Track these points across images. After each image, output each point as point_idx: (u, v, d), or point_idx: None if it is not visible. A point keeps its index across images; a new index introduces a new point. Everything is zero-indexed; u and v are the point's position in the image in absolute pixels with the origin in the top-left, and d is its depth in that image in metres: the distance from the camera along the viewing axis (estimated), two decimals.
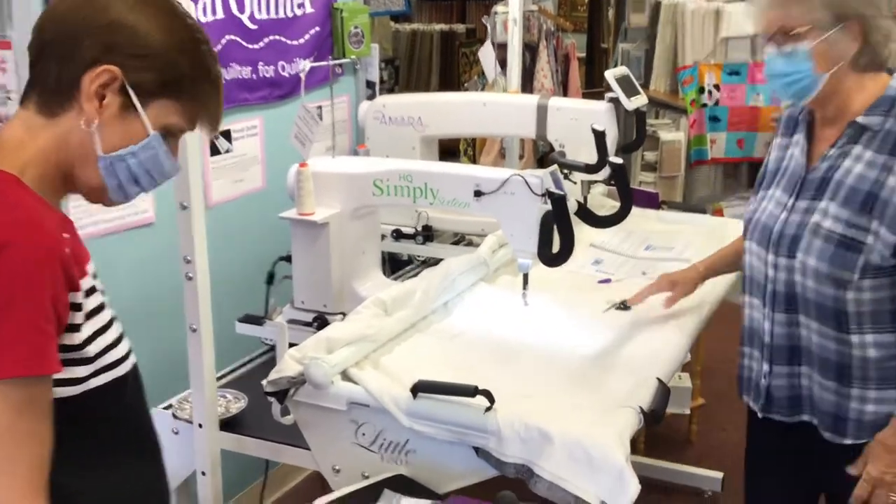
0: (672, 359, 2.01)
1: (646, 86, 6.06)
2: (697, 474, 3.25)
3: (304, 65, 2.77)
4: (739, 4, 5.68)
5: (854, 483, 1.80)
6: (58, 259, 1.10)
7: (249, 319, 2.31)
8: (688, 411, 3.47)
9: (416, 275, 2.82)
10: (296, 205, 2.32)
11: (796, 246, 1.77)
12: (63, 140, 1.17)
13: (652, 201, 4.17)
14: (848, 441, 1.81)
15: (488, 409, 1.67)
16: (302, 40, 2.95)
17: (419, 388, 1.72)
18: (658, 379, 1.85)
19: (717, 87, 5.55)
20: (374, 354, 1.94)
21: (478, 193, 2.05)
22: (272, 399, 1.84)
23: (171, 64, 1.18)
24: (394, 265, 3.14)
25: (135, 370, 1.32)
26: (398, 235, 3.00)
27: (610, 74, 2.81)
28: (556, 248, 1.93)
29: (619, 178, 2.13)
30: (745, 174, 5.99)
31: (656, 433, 3.45)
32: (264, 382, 1.83)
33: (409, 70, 6.55)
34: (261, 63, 2.78)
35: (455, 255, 2.88)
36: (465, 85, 6.30)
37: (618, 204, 2.84)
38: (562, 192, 1.91)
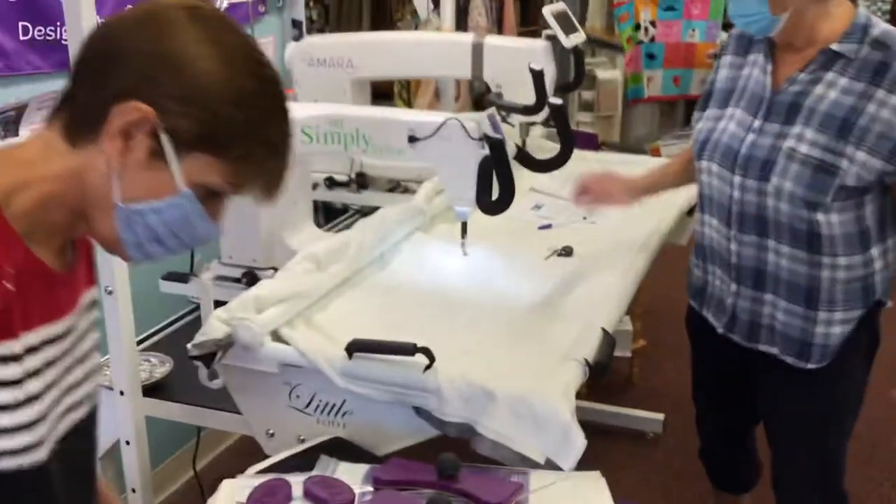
0: (616, 306, 1.95)
1: (582, 23, 5.96)
2: (639, 416, 3.24)
3: (219, 1, 2.61)
4: None
5: (797, 414, 1.93)
6: None
7: (174, 277, 2.20)
8: (629, 354, 3.45)
9: (350, 225, 2.71)
10: None
11: (770, 169, 1.78)
12: (79, 174, 0.96)
13: (591, 142, 4.11)
14: (811, 365, 1.87)
15: (428, 367, 1.59)
16: None
17: (355, 348, 1.63)
18: (602, 329, 1.78)
19: (653, 23, 5.48)
20: (306, 312, 1.84)
21: (412, 139, 1.94)
22: (198, 363, 1.73)
23: (221, 117, 0.94)
24: (328, 215, 3.02)
25: (64, 465, 1.04)
26: (331, 184, 2.88)
27: (547, 11, 2.70)
28: (495, 194, 1.84)
29: (559, 119, 2.06)
30: (681, 112, 5.97)
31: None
32: (189, 346, 1.72)
33: (339, 9, 6.33)
34: None
35: (391, 204, 2.78)
36: (399, 24, 6.13)
37: (558, 146, 2.75)
38: (500, 137, 1.82)
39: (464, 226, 1.97)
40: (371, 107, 2.28)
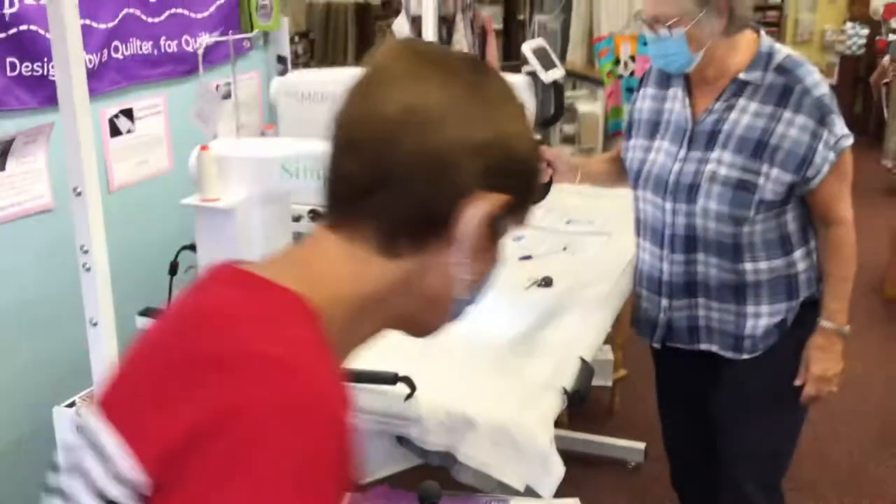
0: (594, 335, 1.99)
1: (562, 57, 6.05)
2: (621, 445, 3.26)
3: (202, 40, 2.65)
4: None
5: (736, 402, 2.07)
6: None
7: (150, 313, 2.17)
8: (610, 383, 3.47)
9: None
10: (199, 190, 2.15)
11: (696, 193, 1.94)
12: (408, 282, 0.85)
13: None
14: (745, 356, 2.02)
15: (409, 396, 1.62)
16: (206, 13, 2.82)
17: None
18: (581, 358, 1.82)
19: (632, 58, 5.57)
20: None
21: None
22: None
23: (535, 179, 0.89)
24: None
25: None
26: (315, 216, 2.91)
27: (526, 47, 2.77)
28: None
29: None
30: None
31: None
32: None
33: (325, 44, 6.41)
34: (163, 38, 2.65)
35: None
36: None
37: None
38: None
39: None
40: None
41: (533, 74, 2.79)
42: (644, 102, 2.10)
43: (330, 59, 6.19)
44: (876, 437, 3.42)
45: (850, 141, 1.87)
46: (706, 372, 2.10)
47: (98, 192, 1.69)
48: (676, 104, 2.01)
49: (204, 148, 2.14)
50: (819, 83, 1.86)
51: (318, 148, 2.09)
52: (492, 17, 5.96)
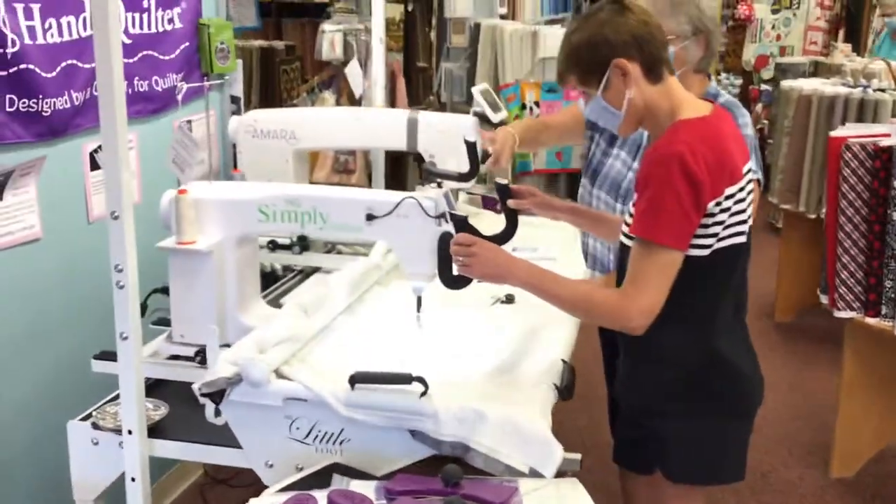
0: (567, 338, 2.21)
1: (468, 102, 6.38)
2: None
3: (182, 86, 2.79)
4: (554, 28, 6.12)
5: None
6: None
7: (106, 356, 2.17)
8: None
9: (287, 289, 2.86)
10: (175, 233, 2.21)
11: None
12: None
13: (494, 205, 4.43)
14: None
15: (423, 393, 1.82)
16: (172, 55, 2.97)
17: (357, 379, 1.85)
18: (563, 360, 2.06)
19: (536, 103, 5.95)
20: (300, 354, 2.04)
21: (370, 217, 2.06)
22: (205, 400, 1.90)
23: None
24: (266, 280, 3.01)
25: None
26: (274, 247, 3.07)
27: (476, 90, 3.03)
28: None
29: (504, 197, 2.18)
30: (563, 184, 6.43)
31: None
32: (196, 385, 1.89)
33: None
34: (136, 78, 2.79)
35: (331, 264, 3.00)
36: (295, 101, 6.37)
37: (476, 209, 3.05)
38: (463, 214, 1.99)
39: (419, 300, 2.10)
40: (327, 186, 2.31)
41: (479, 115, 3.05)
42: None
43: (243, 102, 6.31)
44: (780, 443, 3.80)
45: (757, 175, 2.19)
46: None
47: (131, 214, 1.84)
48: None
49: (182, 192, 2.19)
50: (748, 125, 2.22)
51: (294, 191, 2.23)
52: (399, 62, 6.23)
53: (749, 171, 1.88)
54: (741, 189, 1.83)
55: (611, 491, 2.74)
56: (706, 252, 1.80)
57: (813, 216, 4.85)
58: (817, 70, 6.78)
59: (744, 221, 1.85)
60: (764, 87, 7.65)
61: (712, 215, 1.77)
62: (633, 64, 1.82)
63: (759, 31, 8.72)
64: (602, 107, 1.88)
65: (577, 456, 3.48)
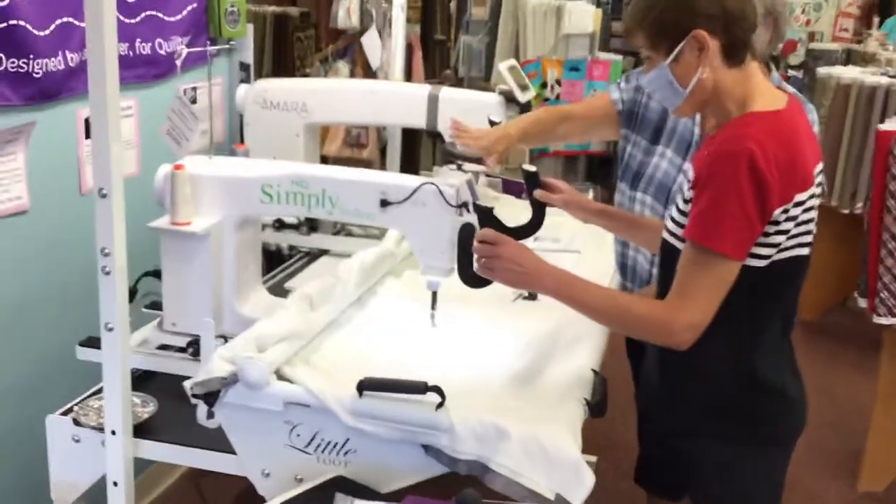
0: (596, 344, 2.01)
1: (488, 79, 6.16)
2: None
3: (182, 51, 2.58)
4: (580, 3, 5.87)
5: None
6: None
7: (93, 343, 1.97)
8: None
9: (293, 272, 2.70)
10: (168, 212, 2.01)
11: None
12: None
13: (518, 190, 4.22)
14: None
15: (440, 405, 1.63)
16: (178, 17, 2.77)
17: (365, 386, 1.66)
18: (593, 370, 1.87)
19: (558, 82, 5.72)
20: (303, 352, 1.85)
21: (384, 203, 1.88)
22: (197, 402, 1.72)
23: None
24: (269, 260, 2.83)
25: None
26: (280, 226, 2.89)
27: (503, 66, 2.83)
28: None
29: (532, 186, 1.98)
30: (583, 166, 6.22)
31: None
32: (188, 384, 1.71)
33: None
34: (138, 40, 2.59)
35: (341, 247, 2.82)
36: (308, 71, 6.16)
37: (497, 194, 2.84)
38: (489, 206, 1.79)
39: (434, 296, 1.92)
40: (338, 167, 2.09)
41: (505, 94, 2.85)
42: (652, 101, 2.17)
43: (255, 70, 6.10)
44: (806, 451, 3.61)
45: None
46: None
47: (122, 194, 1.65)
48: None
49: (178, 167, 2.00)
50: (816, 122, 1.99)
51: (302, 171, 2.04)
52: (417, 34, 6.00)
53: (820, 173, 1.67)
54: (812, 196, 1.61)
55: (622, 494, 2.58)
56: (764, 263, 1.60)
57: (846, 211, 4.62)
58: (850, 58, 6.52)
59: (809, 232, 1.64)
60: (792, 72, 7.39)
61: (776, 223, 1.56)
62: (714, 40, 1.59)
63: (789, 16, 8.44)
64: (667, 80, 1.64)
65: (593, 458, 3.36)
